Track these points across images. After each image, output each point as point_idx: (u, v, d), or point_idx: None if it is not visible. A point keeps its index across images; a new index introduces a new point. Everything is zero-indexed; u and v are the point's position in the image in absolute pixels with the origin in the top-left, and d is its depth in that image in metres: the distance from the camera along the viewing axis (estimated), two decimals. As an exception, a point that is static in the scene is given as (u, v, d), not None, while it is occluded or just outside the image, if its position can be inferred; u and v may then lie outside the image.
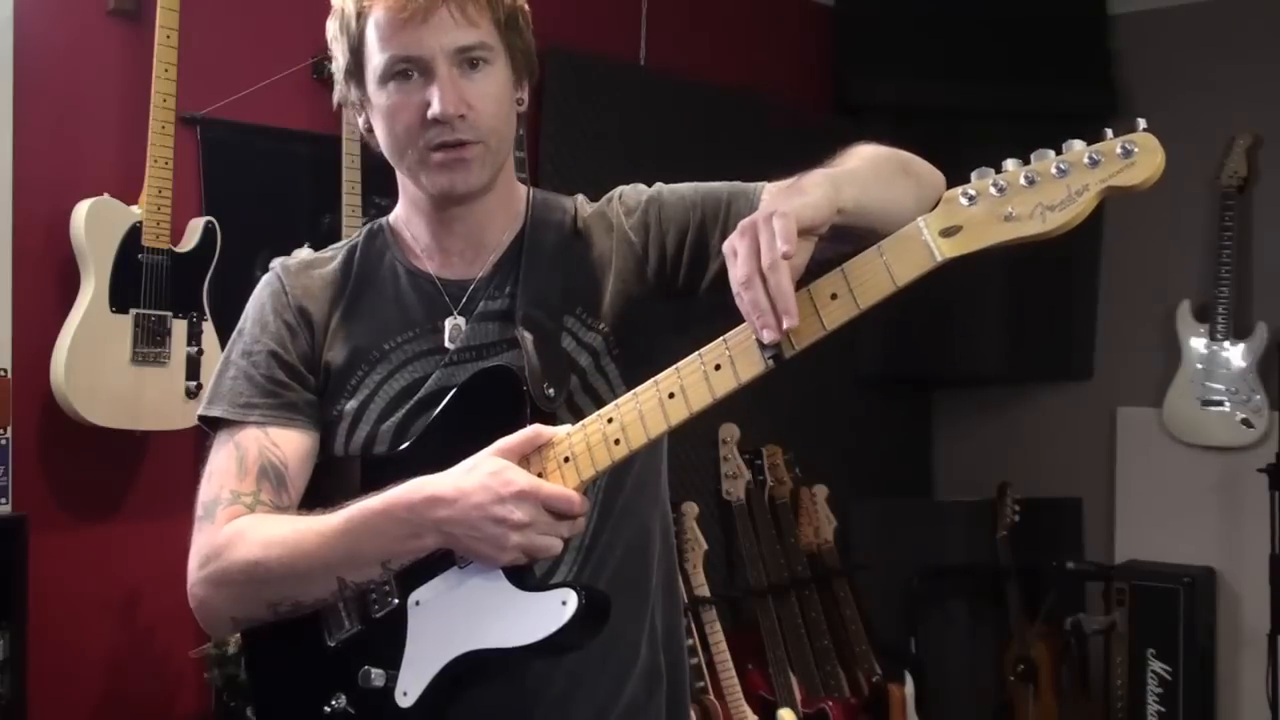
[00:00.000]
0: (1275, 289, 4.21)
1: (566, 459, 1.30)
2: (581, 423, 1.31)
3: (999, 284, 4.40)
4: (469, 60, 1.38)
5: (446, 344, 1.45)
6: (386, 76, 1.38)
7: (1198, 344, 4.20)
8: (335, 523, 1.33)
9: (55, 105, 2.67)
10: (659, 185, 1.51)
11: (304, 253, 2.83)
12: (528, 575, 1.31)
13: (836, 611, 3.94)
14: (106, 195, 2.62)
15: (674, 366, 1.26)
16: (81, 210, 2.58)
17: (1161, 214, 4.21)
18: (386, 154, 1.45)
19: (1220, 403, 4.17)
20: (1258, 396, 4.12)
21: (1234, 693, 4.22)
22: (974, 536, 4.35)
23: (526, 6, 1.46)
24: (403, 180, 1.49)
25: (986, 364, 4.53)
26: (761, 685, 3.61)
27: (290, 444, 1.43)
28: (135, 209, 2.64)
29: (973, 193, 1.12)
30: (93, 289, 2.57)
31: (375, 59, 1.38)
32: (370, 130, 1.45)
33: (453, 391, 1.40)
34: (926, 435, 4.97)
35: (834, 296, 1.17)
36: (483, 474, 1.28)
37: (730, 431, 3.83)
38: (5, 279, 2.59)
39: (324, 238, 2.89)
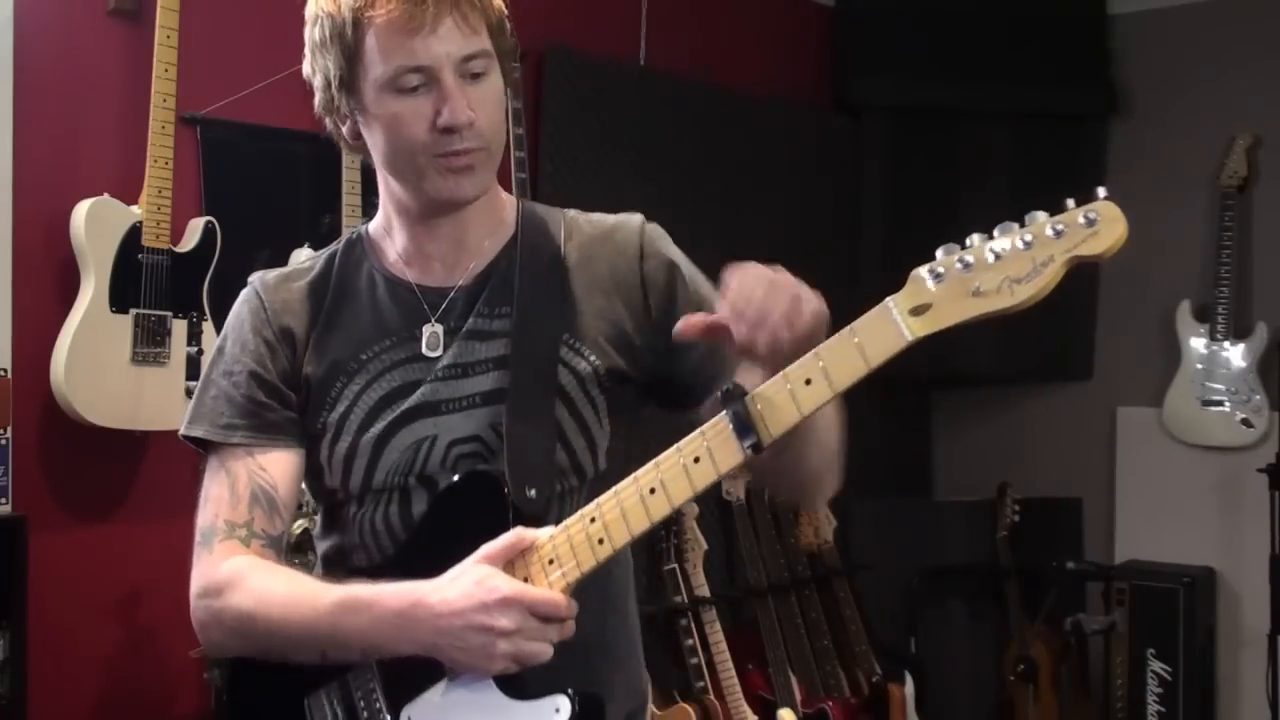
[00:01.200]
0: (1275, 289, 4.20)
1: (551, 561, 1.30)
2: (564, 524, 1.31)
3: (999, 284, 4.39)
4: (471, 68, 1.37)
5: (424, 351, 1.44)
6: (390, 86, 1.36)
7: (1198, 344, 4.20)
8: (327, 601, 1.34)
9: (55, 105, 2.67)
10: (683, 257, 1.50)
11: (304, 253, 2.83)
12: (519, 683, 1.29)
13: (836, 611, 3.94)
14: (106, 195, 2.62)
15: (653, 461, 1.26)
16: (81, 210, 2.58)
17: (1161, 214, 4.20)
18: (382, 161, 1.44)
19: (1220, 403, 4.17)
20: (1258, 396, 4.12)
21: (1234, 693, 4.22)
22: (974, 536, 4.34)
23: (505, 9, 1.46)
24: (388, 187, 1.47)
25: (986, 364, 4.51)
26: (761, 685, 3.61)
27: (277, 465, 1.44)
28: (135, 209, 2.64)
29: (940, 270, 1.13)
30: (93, 289, 2.57)
31: (377, 68, 1.36)
32: (358, 138, 1.44)
33: (435, 497, 1.40)
34: (926, 435, 4.96)
35: (808, 382, 1.18)
36: (467, 583, 1.27)
37: (730, 431, 3.82)
38: (5, 279, 2.59)
39: (324, 238, 2.89)
